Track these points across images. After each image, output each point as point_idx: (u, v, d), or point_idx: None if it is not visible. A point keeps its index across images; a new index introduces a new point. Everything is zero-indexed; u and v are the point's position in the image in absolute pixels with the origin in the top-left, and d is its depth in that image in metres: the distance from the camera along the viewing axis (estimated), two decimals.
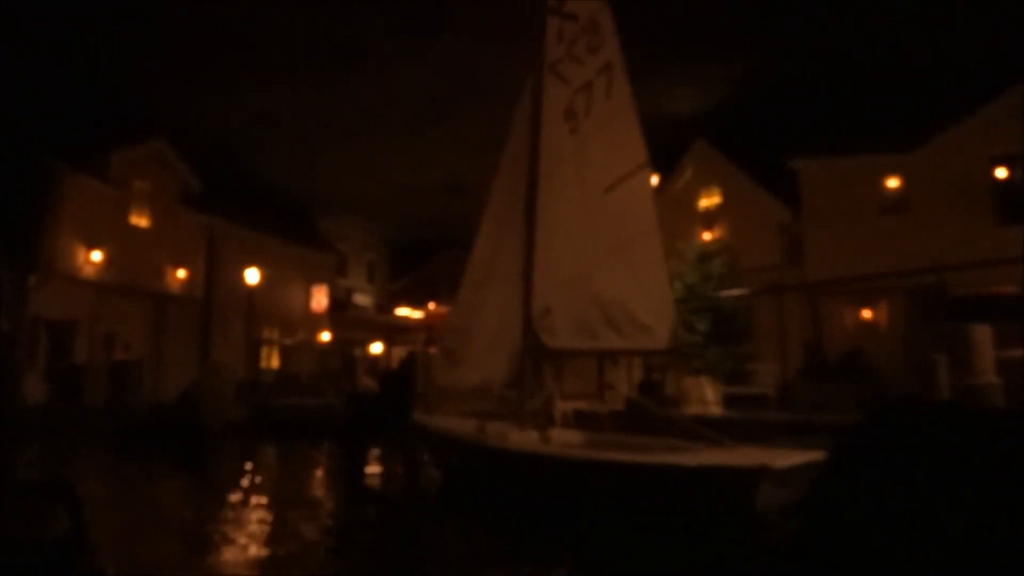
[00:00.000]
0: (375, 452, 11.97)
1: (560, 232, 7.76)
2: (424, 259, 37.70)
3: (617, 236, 7.15)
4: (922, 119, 18.95)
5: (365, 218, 34.08)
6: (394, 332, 34.68)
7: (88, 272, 19.56)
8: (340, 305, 31.47)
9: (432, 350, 12.40)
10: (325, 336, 29.76)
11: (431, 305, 36.33)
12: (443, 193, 30.18)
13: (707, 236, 19.49)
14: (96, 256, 19.50)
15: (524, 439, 7.44)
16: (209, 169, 23.86)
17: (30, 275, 18.69)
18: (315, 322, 29.60)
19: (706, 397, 11.31)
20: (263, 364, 25.44)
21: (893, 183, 19.18)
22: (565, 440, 7.84)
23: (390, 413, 11.54)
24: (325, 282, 30.21)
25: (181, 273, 22.45)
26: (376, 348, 33.86)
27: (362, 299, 35.40)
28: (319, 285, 29.77)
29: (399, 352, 35.33)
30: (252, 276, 20.36)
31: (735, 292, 12.57)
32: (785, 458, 5.48)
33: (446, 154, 26.74)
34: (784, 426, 8.49)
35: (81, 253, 19.38)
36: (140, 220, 21.42)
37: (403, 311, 34.62)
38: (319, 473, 11.21)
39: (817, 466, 3.73)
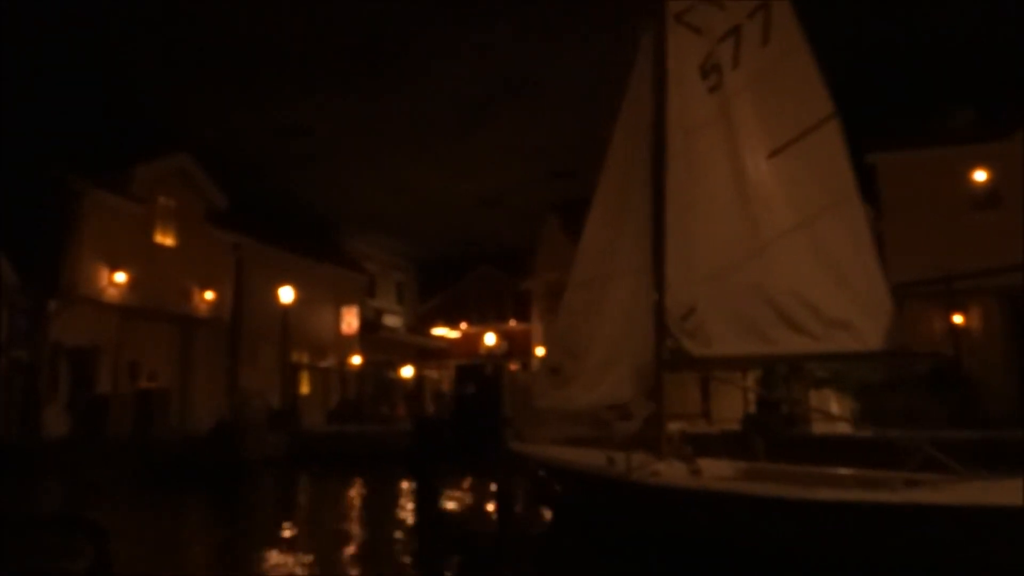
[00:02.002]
0: (453, 487, 10.38)
1: (703, 213, 6.27)
2: (454, 278, 36.28)
3: (793, 210, 5.65)
4: (1009, 105, 17.47)
5: (394, 237, 32.76)
6: (426, 354, 33.19)
7: (111, 295, 18.25)
8: (370, 327, 30.05)
9: (514, 367, 10.85)
10: (356, 359, 28.31)
11: (463, 325, 34.94)
12: (478, 206, 28.84)
13: None
14: (120, 278, 18.20)
15: (674, 472, 5.90)
16: (235, 186, 22.62)
17: (49, 300, 17.41)
18: (345, 345, 28.16)
19: (832, 413, 9.72)
20: (293, 390, 23.94)
21: (980, 176, 17.63)
22: (717, 473, 6.28)
23: (470, 441, 9.96)
24: (355, 303, 28.81)
25: (209, 295, 21.09)
26: (407, 371, 32.37)
27: (392, 320, 33.99)
28: (349, 306, 28.38)
29: (433, 374, 33.92)
30: (286, 295, 18.97)
31: None
32: None
33: (483, 164, 25.43)
34: (967, 447, 6.86)
35: (104, 275, 18.09)
36: (165, 239, 20.15)
37: (440, 331, 33.15)
38: (384, 512, 9.63)
39: None
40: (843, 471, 5.69)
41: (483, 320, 34.85)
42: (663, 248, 6.50)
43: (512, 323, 34.20)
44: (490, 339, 32.07)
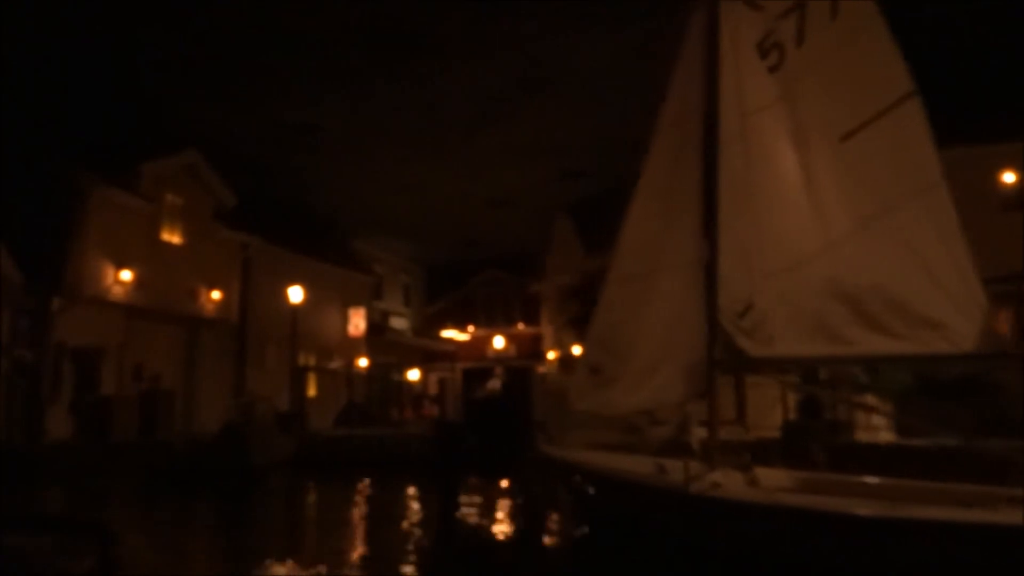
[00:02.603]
0: (475, 493, 9.87)
1: (763, 202, 5.80)
2: (461, 281, 35.83)
3: (870, 199, 5.18)
4: None
5: (401, 238, 32.32)
6: (433, 357, 32.71)
7: (117, 294, 17.80)
8: (377, 329, 29.58)
9: (542, 369, 10.36)
10: (362, 362, 27.83)
11: (470, 328, 34.50)
12: (487, 207, 28.38)
13: None
14: (125, 276, 17.74)
15: (734, 484, 5.42)
16: (242, 185, 22.18)
17: (53, 298, 16.96)
18: (352, 347, 27.69)
19: (874, 421, 9.24)
20: (300, 393, 23.45)
21: (1010, 177, 17.13)
22: (776, 484, 5.80)
23: (496, 445, 9.46)
24: (362, 305, 28.35)
25: (216, 295, 20.64)
26: (413, 375, 31.87)
27: (398, 323, 33.53)
28: (356, 308, 27.91)
29: (437, 378, 33.45)
30: (296, 294, 18.50)
31: None
32: None
33: (493, 163, 24.98)
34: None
35: (109, 273, 17.63)
36: (172, 237, 19.70)
37: (449, 333, 32.68)
38: (400, 520, 9.14)
39: None
40: (924, 485, 5.20)
41: (491, 323, 34.43)
42: (716, 240, 6.04)
43: (520, 326, 33.78)
44: (499, 342, 31.62)
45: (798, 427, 7.97)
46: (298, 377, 19.08)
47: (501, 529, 8.30)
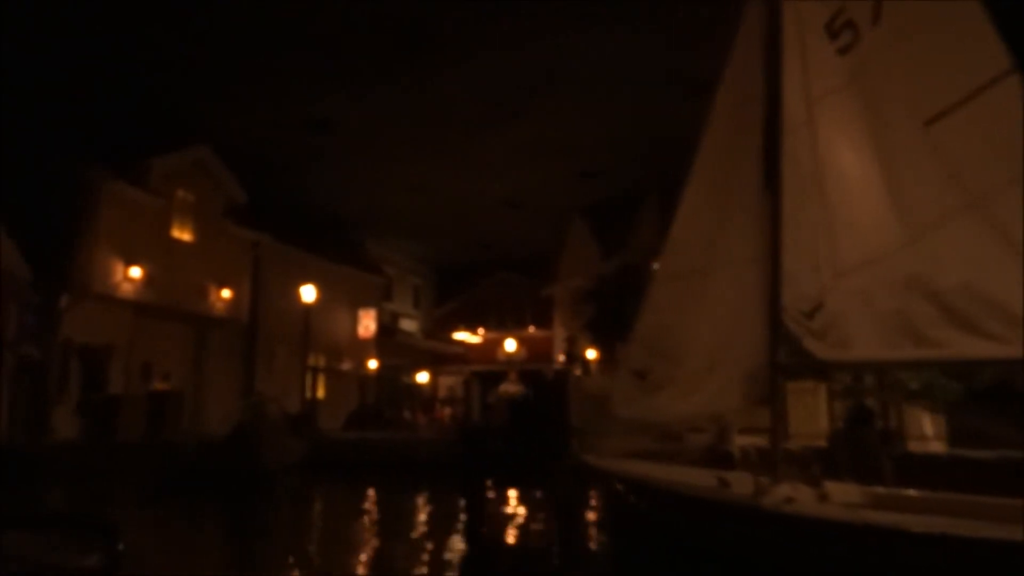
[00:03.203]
0: (504, 502, 9.40)
1: (834, 193, 5.35)
2: (470, 283, 35.45)
3: (960, 188, 4.72)
4: None
5: (412, 239, 31.92)
6: (443, 360, 32.26)
7: (125, 291, 17.41)
8: (387, 331, 29.17)
9: (578, 371, 9.90)
10: (372, 364, 27.41)
11: (480, 330, 34.10)
12: (500, 208, 27.95)
13: None
14: (135, 273, 17.35)
15: (807, 499, 4.96)
16: (253, 182, 21.79)
17: (61, 295, 16.59)
18: (361, 349, 27.28)
19: (924, 430, 8.76)
20: (310, 394, 23.03)
21: None
22: (846, 499, 5.33)
23: (528, 452, 8.99)
24: (372, 306, 27.95)
25: (226, 293, 20.24)
26: (422, 377, 31.42)
27: (408, 325, 33.11)
28: (367, 309, 27.51)
29: (446, 381, 32.99)
30: (308, 294, 18.10)
31: None
32: None
33: (507, 163, 24.52)
34: None
35: (118, 270, 17.25)
36: (182, 234, 19.32)
37: (460, 336, 32.25)
38: (423, 528, 8.69)
39: None
40: (1009, 503, 4.74)
41: (502, 326, 34.04)
42: (780, 234, 5.59)
43: (532, 329, 33.36)
44: (510, 345, 31.18)
45: (850, 437, 7.49)
46: (309, 378, 18.62)
47: (532, 539, 7.85)
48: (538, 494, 8.86)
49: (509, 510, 8.93)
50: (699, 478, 5.59)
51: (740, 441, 8.77)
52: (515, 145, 23.49)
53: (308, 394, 18.21)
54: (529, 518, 8.28)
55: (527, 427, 9.55)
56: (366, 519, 9.96)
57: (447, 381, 32.99)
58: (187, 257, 19.19)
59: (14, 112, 16.98)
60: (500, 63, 19.58)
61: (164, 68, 19.40)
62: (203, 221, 19.79)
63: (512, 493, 9.67)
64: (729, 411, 5.98)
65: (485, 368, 29.26)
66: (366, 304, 27.66)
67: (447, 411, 21.17)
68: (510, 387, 18.75)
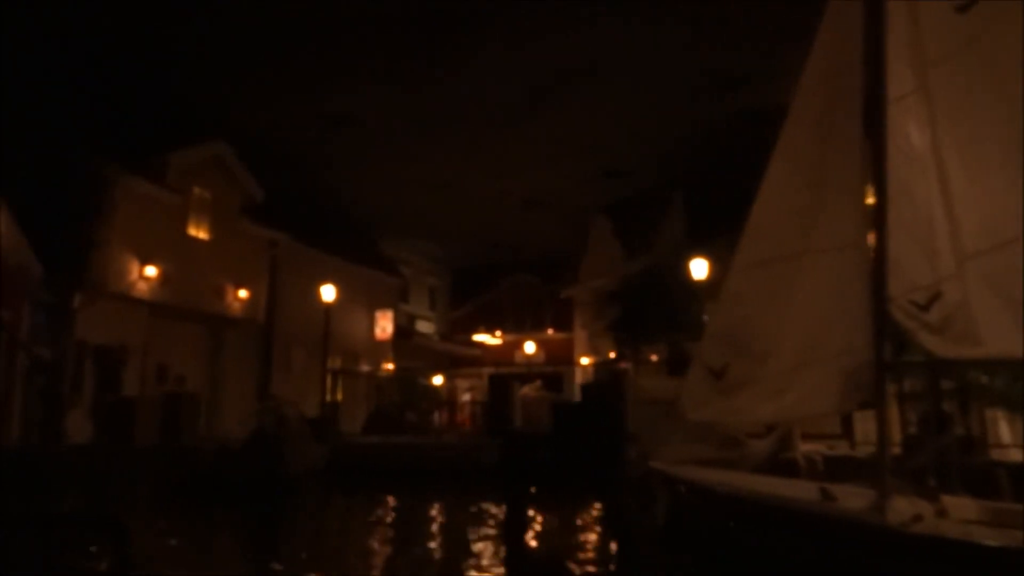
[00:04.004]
0: (550, 513, 8.73)
1: (953, 167, 4.73)
2: (487, 285, 34.85)
3: None
4: None
5: (430, 240, 31.39)
6: (459, 362, 31.66)
7: (141, 290, 16.90)
8: (404, 333, 28.60)
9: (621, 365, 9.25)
10: (388, 366, 26.83)
11: (498, 333, 33.52)
12: (520, 208, 27.35)
13: None
14: (150, 271, 16.84)
15: (933, 518, 4.33)
16: (269, 180, 21.27)
17: (75, 293, 16.09)
18: (378, 351, 26.71)
19: (1001, 436, 8.11)
20: (330, 397, 22.46)
21: None
22: (964, 514, 4.69)
23: (579, 460, 8.33)
24: (389, 307, 27.39)
25: (243, 293, 19.71)
26: (437, 380, 30.81)
27: (424, 327, 32.55)
28: (384, 311, 26.95)
29: (462, 383, 32.36)
30: (328, 293, 17.52)
31: None
32: None
33: (529, 161, 23.93)
34: None
35: (134, 268, 16.74)
36: (199, 232, 18.81)
37: (479, 338, 31.66)
38: (458, 539, 8.05)
39: None
40: None
41: (519, 328, 33.45)
42: (884, 216, 4.97)
43: (550, 332, 32.75)
44: (530, 347, 30.57)
45: (928, 444, 6.85)
46: (329, 381, 18.06)
47: (584, 555, 7.22)
48: (592, 506, 8.20)
49: (558, 523, 8.28)
50: (800, 491, 4.96)
51: (804, 448, 8.11)
52: (537, 143, 22.91)
53: (328, 397, 17.58)
54: (581, 533, 7.63)
55: (575, 432, 8.86)
56: (398, 529, 9.35)
57: (463, 384, 32.41)
58: (204, 256, 18.68)
59: (28, 106, 16.54)
60: (523, 58, 19.02)
61: (181, 62, 18.94)
62: (220, 219, 19.28)
63: (560, 504, 9.01)
64: (825, 414, 5.33)
65: (503, 371, 28.68)
66: (383, 305, 27.13)
67: (467, 414, 20.56)
68: (531, 391, 18.15)
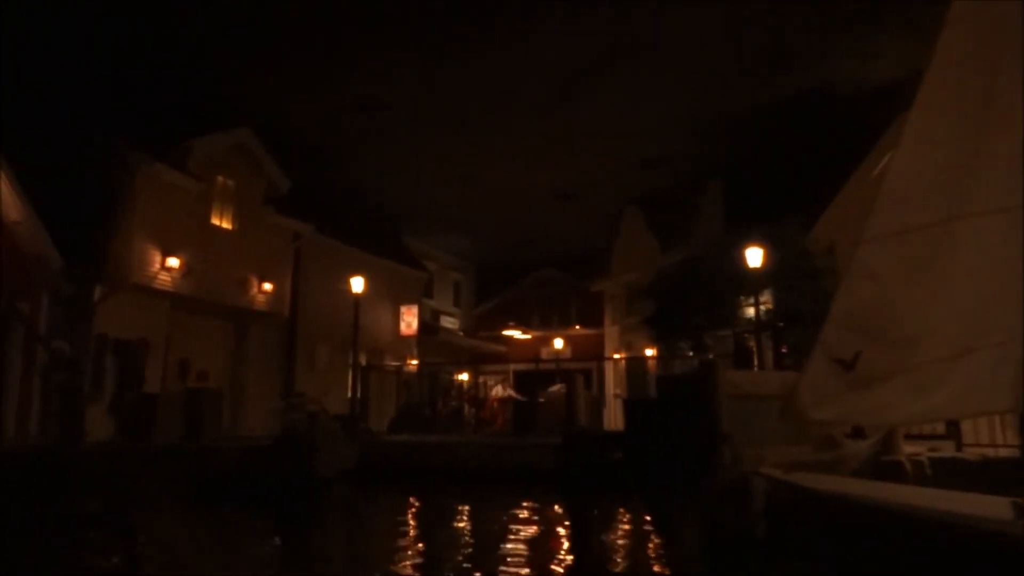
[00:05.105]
0: (623, 522, 7.87)
1: None
2: (512, 280, 34.08)
3: None
4: None
5: (456, 234, 30.62)
6: (483, 359, 30.88)
7: (163, 282, 16.22)
8: (429, 328, 27.84)
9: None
10: (412, 362, 26.08)
11: (523, 329, 32.76)
12: (548, 200, 26.50)
13: None
14: (173, 262, 16.16)
15: None
16: (294, 171, 20.56)
17: (95, 286, 15.46)
18: (403, 346, 25.97)
19: None
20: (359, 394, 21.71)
21: None
22: None
23: (661, 464, 7.49)
24: (415, 303, 26.64)
25: (267, 286, 19.02)
26: (462, 377, 30.04)
27: (448, 322, 31.79)
28: (409, 306, 26.21)
29: (490, 380, 31.54)
30: (357, 285, 16.77)
31: None
32: None
33: (563, 150, 23.08)
34: None
35: (156, 259, 16.06)
36: (222, 222, 18.12)
37: (510, 332, 30.91)
38: (508, 546, 7.22)
39: None
40: None
41: (545, 324, 32.66)
42: None
43: (577, 328, 31.93)
44: (558, 343, 29.75)
45: None
46: (359, 377, 17.33)
47: (662, 570, 6.37)
48: (675, 516, 7.34)
49: (631, 534, 7.43)
50: (988, 506, 4.08)
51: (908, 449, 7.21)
52: (571, 132, 22.04)
53: (357, 393, 16.85)
54: (661, 547, 6.76)
55: (653, 431, 8.03)
56: (443, 534, 8.54)
57: (490, 381, 31.59)
58: (227, 247, 17.99)
59: (48, 90, 15.94)
60: (556, 41, 18.18)
61: (204, 47, 18.29)
62: (244, 209, 18.59)
63: (633, 513, 8.15)
64: (993, 413, 4.46)
65: (529, 367, 27.84)
66: (408, 300, 26.39)
67: (497, 411, 19.74)
68: (558, 388, 17.37)
